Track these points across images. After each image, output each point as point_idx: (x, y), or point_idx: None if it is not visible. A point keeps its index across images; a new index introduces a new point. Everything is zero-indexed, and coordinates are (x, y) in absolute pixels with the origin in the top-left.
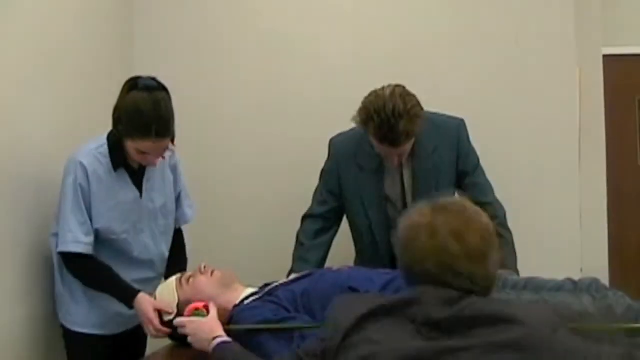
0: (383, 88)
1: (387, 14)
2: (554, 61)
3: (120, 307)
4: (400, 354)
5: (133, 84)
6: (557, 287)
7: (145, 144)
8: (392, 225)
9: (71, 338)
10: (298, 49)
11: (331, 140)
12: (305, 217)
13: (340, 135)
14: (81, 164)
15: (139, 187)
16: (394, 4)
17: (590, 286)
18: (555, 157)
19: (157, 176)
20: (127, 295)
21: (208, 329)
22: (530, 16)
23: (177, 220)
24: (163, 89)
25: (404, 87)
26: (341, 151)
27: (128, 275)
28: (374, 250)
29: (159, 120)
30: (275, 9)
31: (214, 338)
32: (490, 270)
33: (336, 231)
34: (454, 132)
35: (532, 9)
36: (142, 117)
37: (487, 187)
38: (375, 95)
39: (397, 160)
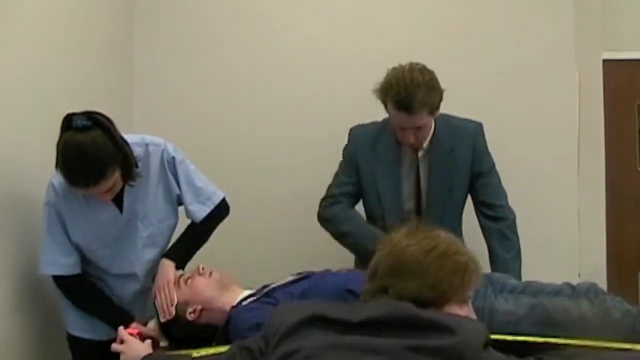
0: (402, 64)
1: (388, 15)
2: (554, 65)
3: None
4: (325, 343)
5: (68, 122)
6: (556, 291)
7: (78, 190)
8: (405, 218)
9: (70, 342)
10: (299, 49)
11: (351, 129)
12: (326, 199)
13: (360, 125)
14: (52, 184)
15: (120, 202)
16: (395, 7)
17: (588, 290)
18: (554, 162)
19: (140, 186)
20: (118, 322)
21: (141, 347)
22: (530, 21)
23: (188, 216)
24: (98, 125)
25: (423, 64)
26: (360, 139)
27: (112, 290)
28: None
29: (84, 171)
30: (275, 8)
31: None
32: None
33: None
34: (471, 133)
35: (532, 13)
36: (67, 169)
37: (500, 191)
38: (395, 70)
39: (413, 138)
